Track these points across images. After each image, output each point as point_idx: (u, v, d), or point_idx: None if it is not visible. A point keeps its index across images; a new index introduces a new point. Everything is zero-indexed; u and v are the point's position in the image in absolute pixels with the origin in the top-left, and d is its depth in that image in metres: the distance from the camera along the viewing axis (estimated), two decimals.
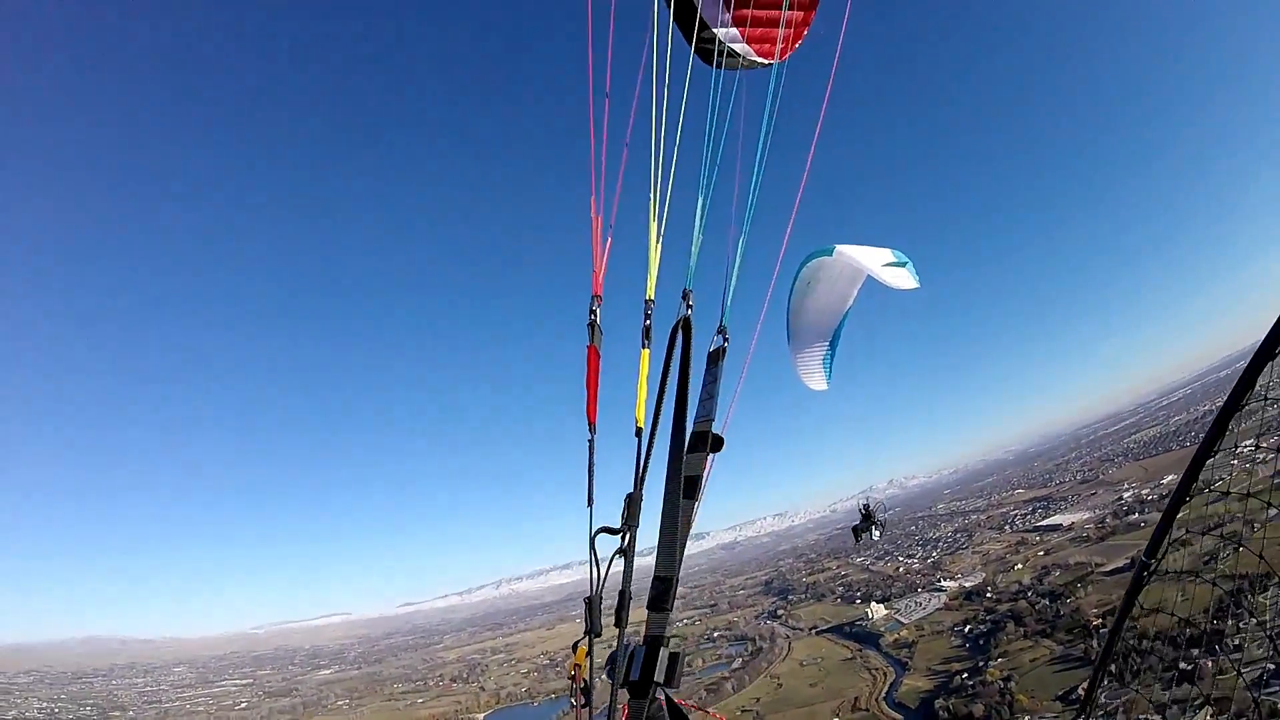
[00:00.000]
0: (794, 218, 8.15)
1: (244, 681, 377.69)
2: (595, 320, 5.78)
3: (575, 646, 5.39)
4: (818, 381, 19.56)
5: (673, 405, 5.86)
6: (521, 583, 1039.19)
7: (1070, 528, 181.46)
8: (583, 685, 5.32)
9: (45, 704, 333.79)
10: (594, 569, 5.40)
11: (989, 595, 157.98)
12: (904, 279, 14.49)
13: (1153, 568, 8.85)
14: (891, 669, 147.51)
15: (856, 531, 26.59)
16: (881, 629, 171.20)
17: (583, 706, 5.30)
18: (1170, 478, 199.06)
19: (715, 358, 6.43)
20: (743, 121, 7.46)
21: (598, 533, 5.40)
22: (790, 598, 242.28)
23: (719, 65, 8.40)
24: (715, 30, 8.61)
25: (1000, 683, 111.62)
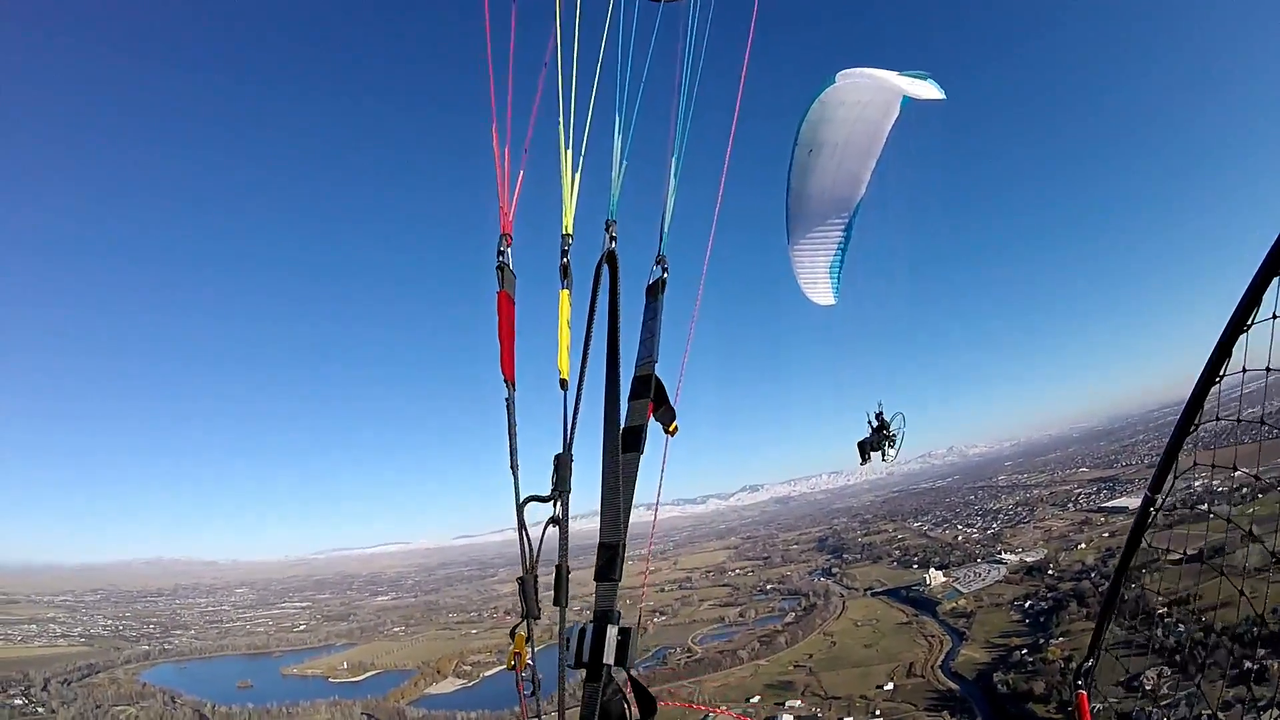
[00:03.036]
0: (734, 127, 7.39)
1: (303, 604, 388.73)
2: (505, 262, 5.18)
3: (513, 633, 4.95)
4: (822, 293, 16.99)
5: (603, 350, 5.26)
6: (576, 521, 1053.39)
7: (1135, 511, 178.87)
8: (527, 674, 4.89)
9: (111, 621, 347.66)
10: (524, 544, 4.87)
11: (1050, 572, 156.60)
12: (927, 89, 13.28)
13: (1158, 504, 8.41)
14: (949, 637, 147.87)
15: (863, 448, 21.06)
16: (939, 596, 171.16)
17: (529, 696, 4.86)
18: (1238, 473, 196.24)
19: (654, 290, 5.91)
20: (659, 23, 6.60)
21: (526, 501, 4.85)
22: (845, 556, 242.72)
23: None
24: None
25: (1061, 662, 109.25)
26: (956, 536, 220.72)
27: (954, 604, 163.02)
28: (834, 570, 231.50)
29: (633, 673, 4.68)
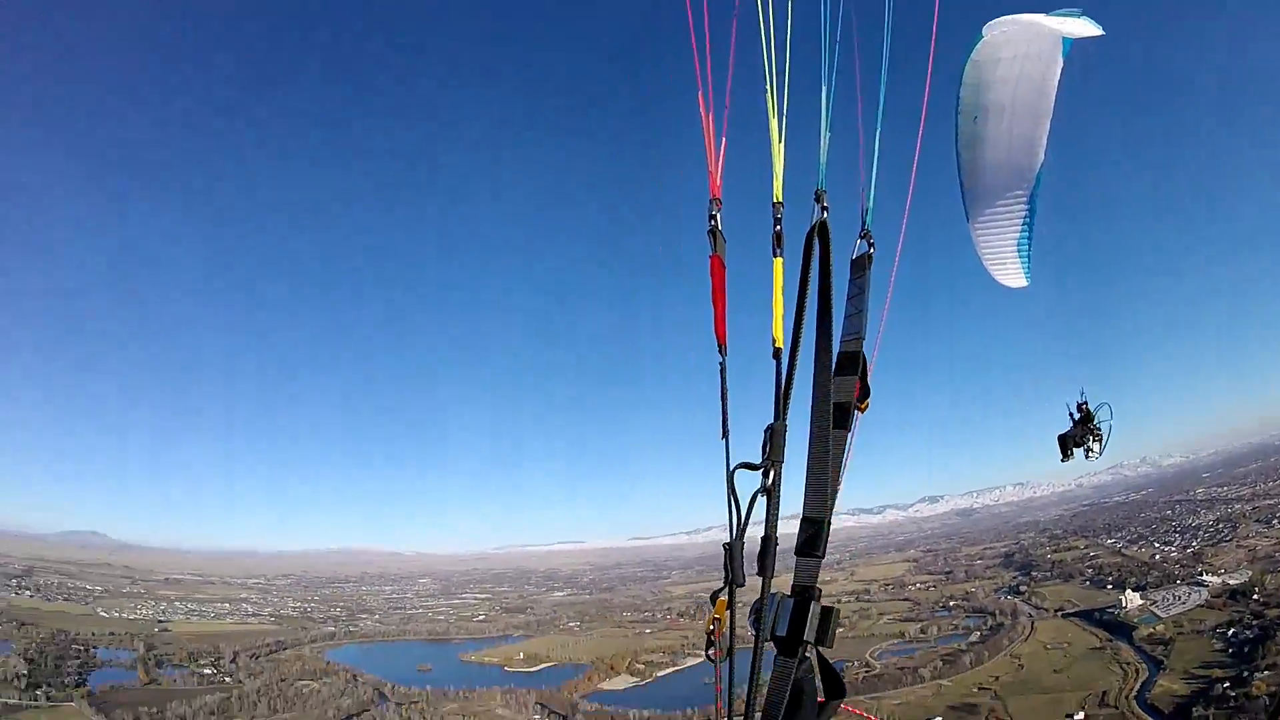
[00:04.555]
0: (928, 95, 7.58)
1: (483, 596, 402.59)
2: (716, 226, 5.18)
3: (714, 598, 4.84)
4: (1012, 274, 15.79)
5: (814, 322, 5.21)
6: (750, 528, 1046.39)
7: None
8: (724, 641, 4.77)
9: (300, 603, 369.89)
10: (733, 511, 4.74)
11: (1256, 597, 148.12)
12: (1084, 25, 12.47)
13: None
14: (1145, 666, 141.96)
15: (1064, 442, 19.18)
16: (1135, 620, 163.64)
17: (723, 662, 4.78)
18: None
19: (860, 265, 5.94)
20: None
21: (736, 469, 4.75)
22: (1034, 574, 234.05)
23: None
24: None
25: (1266, 698, 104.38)
26: (1153, 555, 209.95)
27: (1151, 629, 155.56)
28: (1021, 588, 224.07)
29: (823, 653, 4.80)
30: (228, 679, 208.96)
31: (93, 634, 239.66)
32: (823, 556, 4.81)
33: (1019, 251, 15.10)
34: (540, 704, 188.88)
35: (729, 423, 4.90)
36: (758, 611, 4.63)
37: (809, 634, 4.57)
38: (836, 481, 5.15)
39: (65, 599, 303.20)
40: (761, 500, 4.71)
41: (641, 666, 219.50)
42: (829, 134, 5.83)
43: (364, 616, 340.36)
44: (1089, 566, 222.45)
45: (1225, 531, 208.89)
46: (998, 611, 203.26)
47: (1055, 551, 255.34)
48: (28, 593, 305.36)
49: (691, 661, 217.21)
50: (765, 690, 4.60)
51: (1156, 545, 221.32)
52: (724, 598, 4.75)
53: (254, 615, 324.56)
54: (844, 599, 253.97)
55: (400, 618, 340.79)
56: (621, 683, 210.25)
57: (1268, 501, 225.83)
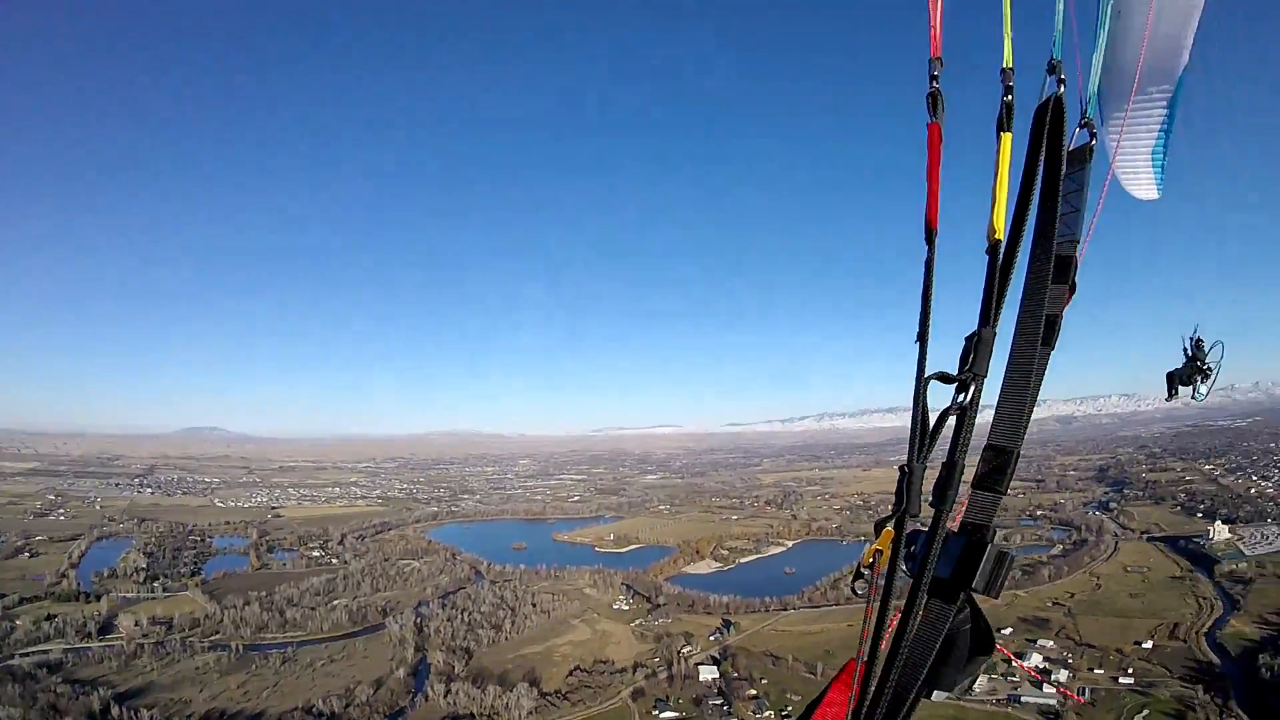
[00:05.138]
0: None
1: (579, 477, 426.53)
2: (936, 90, 4.13)
3: (879, 527, 3.98)
4: (1145, 186, 13.00)
5: (1033, 218, 4.37)
6: (843, 420, 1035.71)
7: None
8: (881, 579, 3.97)
9: (406, 485, 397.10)
10: (919, 428, 3.86)
11: None
12: None
13: None
14: (1220, 603, 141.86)
15: (1171, 380, 18.08)
16: (1219, 554, 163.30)
17: (877, 602, 3.95)
18: None
19: (1079, 157, 5.41)
20: None
21: (930, 379, 3.86)
22: (1126, 491, 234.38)
23: None
24: None
25: None
26: (1250, 489, 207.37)
27: (1234, 566, 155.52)
28: (1111, 505, 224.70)
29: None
30: (334, 560, 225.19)
31: (209, 524, 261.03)
32: (1004, 493, 4.14)
33: (1153, 160, 12.42)
34: (626, 584, 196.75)
35: (929, 322, 4.01)
36: (915, 547, 4.02)
37: (978, 581, 3.93)
38: (1032, 405, 4.45)
39: (184, 493, 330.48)
40: (951, 419, 3.98)
41: (725, 552, 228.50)
42: None
43: (466, 496, 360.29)
44: (1182, 491, 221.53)
45: None
46: (1084, 527, 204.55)
47: (1151, 471, 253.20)
48: (149, 490, 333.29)
49: (774, 550, 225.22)
50: (913, 636, 3.98)
51: (1254, 478, 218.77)
52: (890, 528, 4.00)
53: (362, 498, 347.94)
54: (926, 499, 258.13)
55: (500, 497, 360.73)
56: (705, 567, 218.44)
57: None
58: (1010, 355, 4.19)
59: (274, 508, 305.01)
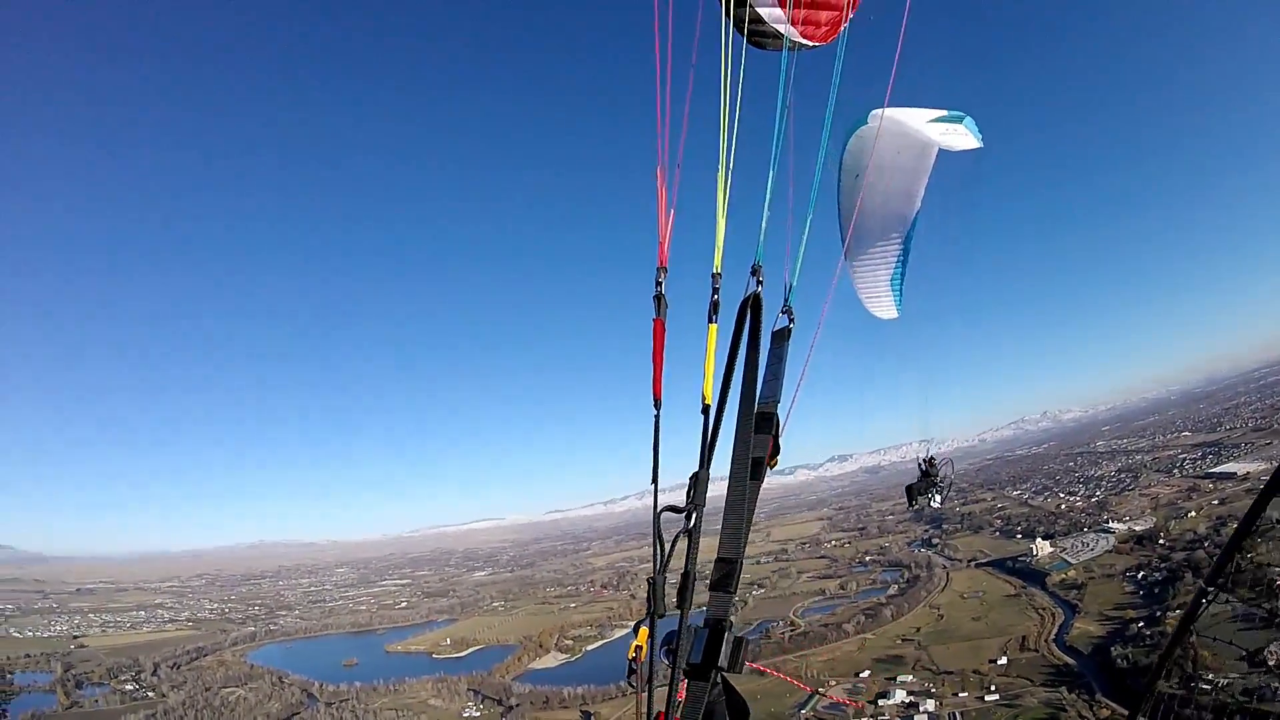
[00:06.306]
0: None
1: (403, 581, 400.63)
2: (661, 293, 5.67)
3: (637, 628, 5.23)
4: (885, 308, 17.02)
5: (739, 384, 5.80)
6: (664, 495, 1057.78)
7: (1245, 477, 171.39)
8: (644, 668, 5.15)
9: (217, 604, 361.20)
10: (657, 549, 5.27)
11: (1162, 542, 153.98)
12: (960, 137, 13.08)
13: (1211, 596, 8.71)
14: (1060, 610, 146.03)
15: (911, 492, 22.08)
16: (1047, 567, 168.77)
17: (643, 691, 5.11)
18: None
19: (780, 337, 6.48)
20: (803, 99, 7.33)
21: (662, 511, 5.25)
22: (944, 526, 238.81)
23: (764, 47, 8.36)
24: (760, 10, 8.23)
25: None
26: (1060, 505, 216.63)
27: (1063, 575, 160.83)
28: (934, 541, 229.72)
29: (729, 677, 5.23)
30: (150, 693, 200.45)
31: (8, 658, 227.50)
32: (734, 593, 5.34)
33: (891, 286, 16.46)
34: (473, 690, 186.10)
35: (659, 471, 5.53)
36: (669, 642, 5.08)
37: (723, 661, 5.03)
38: (749, 526, 5.64)
39: None
40: (683, 541, 5.30)
41: (570, 642, 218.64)
42: (768, 213, 6.55)
43: (283, 613, 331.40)
44: (998, 517, 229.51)
45: (1128, 481, 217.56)
46: (913, 564, 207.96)
47: (964, 505, 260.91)
48: None
49: (619, 633, 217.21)
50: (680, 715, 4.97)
51: (1062, 495, 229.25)
52: (645, 628, 5.17)
53: (171, 621, 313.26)
54: (763, 559, 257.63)
55: (321, 611, 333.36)
56: (551, 660, 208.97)
57: (1167, 452, 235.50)
58: (728, 489, 5.53)
59: (76, 636, 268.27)
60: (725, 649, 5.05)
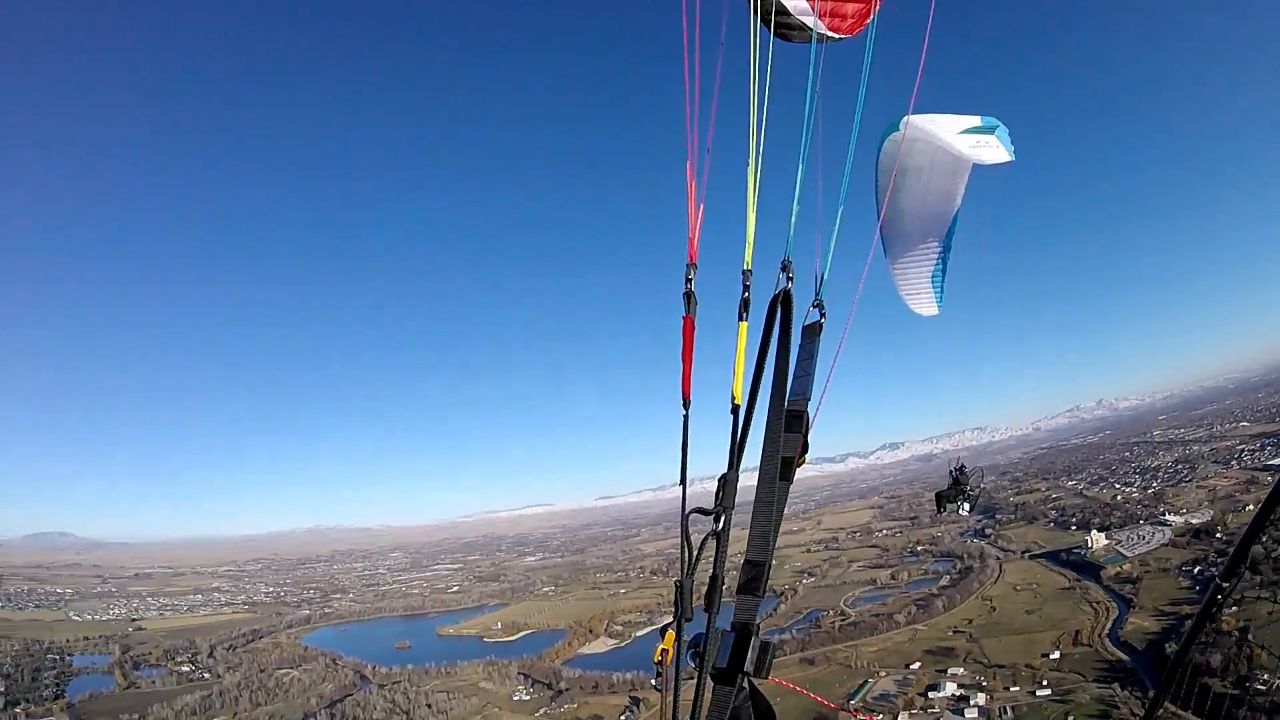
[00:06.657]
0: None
1: (455, 566, 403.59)
2: (691, 290, 5.56)
3: (664, 631, 5.11)
4: (926, 305, 17.12)
5: (770, 382, 5.68)
6: (714, 482, 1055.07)
7: None
8: (669, 670, 5.01)
9: (273, 588, 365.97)
10: (685, 552, 5.09)
11: (1219, 535, 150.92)
12: (992, 150, 13.02)
13: (1227, 591, 9.47)
14: (1114, 604, 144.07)
15: (940, 500, 22.17)
16: (1101, 560, 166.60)
17: (669, 692, 4.98)
18: None
19: (811, 332, 6.28)
20: (838, 91, 7.24)
21: (690, 513, 5.16)
22: (998, 516, 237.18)
23: (791, 39, 8.31)
24: (786, 1, 8.18)
25: (1236, 633, 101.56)
26: (1115, 496, 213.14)
27: (1118, 569, 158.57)
28: (987, 531, 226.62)
29: (757, 680, 5.00)
30: (206, 675, 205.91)
31: (67, 640, 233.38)
32: (763, 596, 5.12)
33: (932, 284, 16.44)
34: (523, 673, 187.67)
35: (687, 471, 5.40)
36: (695, 645, 4.93)
37: (748, 665, 4.82)
38: (778, 528, 5.47)
39: (36, 605, 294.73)
40: (711, 542, 5.10)
41: (620, 628, 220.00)
42: (798, 207, 6.25)
43: (338, 596, 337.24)
44: (1052, 508, 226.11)
45: (1184, 472, 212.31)
46: (965, 555, 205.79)
47: (1018, 494, 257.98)
48: None
49: (667, 619, 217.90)
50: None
51: (1117, 486, 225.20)
52: (672, 631, 5.01)
53: (227, 604, 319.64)
54: (813, 547, 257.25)
55: (374, 594, 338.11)
56: (601, 646, 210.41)
57: (1225, 443, 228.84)
58: (756, 489, 5.36)
59: (134, 619, 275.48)
60: (752, 654, 4.89)
